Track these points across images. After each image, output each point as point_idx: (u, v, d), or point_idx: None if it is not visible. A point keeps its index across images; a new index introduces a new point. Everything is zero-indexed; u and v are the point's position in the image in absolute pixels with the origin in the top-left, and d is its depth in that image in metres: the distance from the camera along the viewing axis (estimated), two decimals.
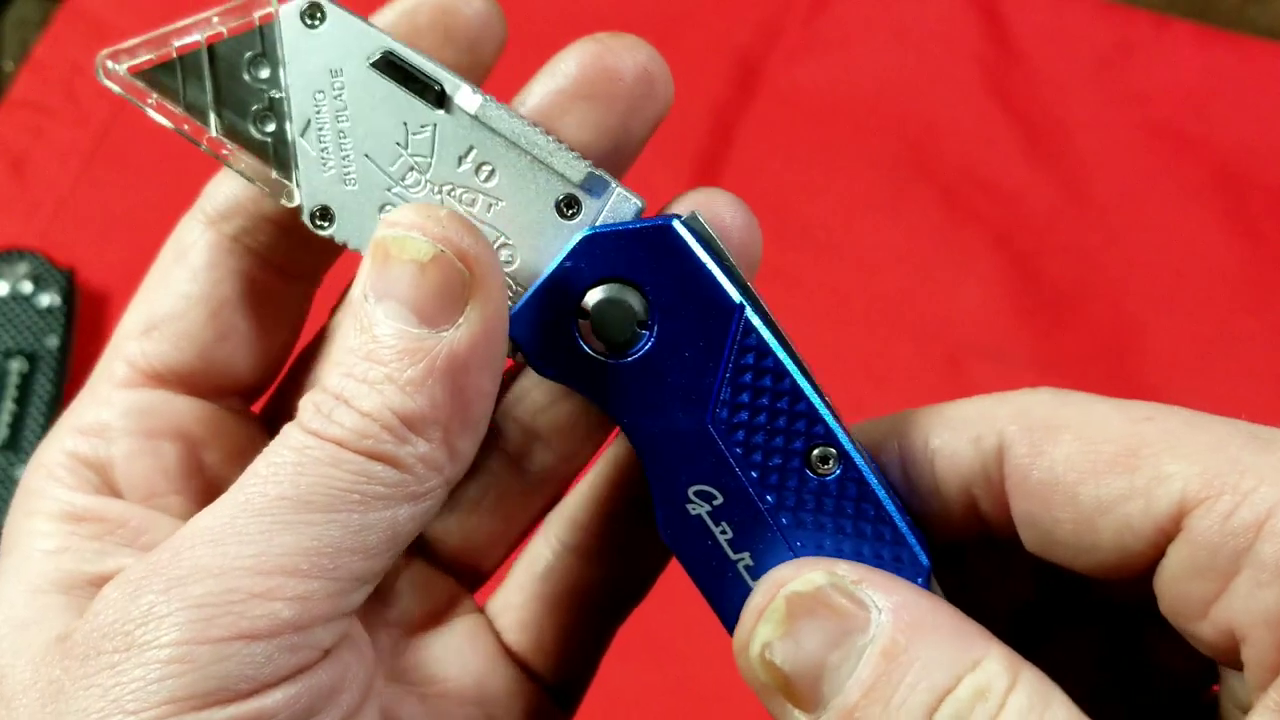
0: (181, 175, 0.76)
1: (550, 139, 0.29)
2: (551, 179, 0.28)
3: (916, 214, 0.74)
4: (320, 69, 0.28)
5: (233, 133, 0.29)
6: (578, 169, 0.28)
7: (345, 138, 0.29)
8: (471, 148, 0.29)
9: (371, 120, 0.29)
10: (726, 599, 0.27)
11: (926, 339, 0.69)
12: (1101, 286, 0.73)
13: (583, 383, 0.28)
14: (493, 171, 0.29)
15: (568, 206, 0.28)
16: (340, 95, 0.29)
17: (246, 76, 0.29)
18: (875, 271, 0.71)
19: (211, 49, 0.29)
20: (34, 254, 0.72)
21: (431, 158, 0.29)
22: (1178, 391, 0.70)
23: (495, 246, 0.28)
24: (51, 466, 0.30)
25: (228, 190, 0.31)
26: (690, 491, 0.27)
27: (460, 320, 0.26)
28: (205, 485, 0.31)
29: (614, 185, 0.29)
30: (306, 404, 0.27)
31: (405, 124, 0.29)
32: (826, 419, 0.27)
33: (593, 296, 0.27)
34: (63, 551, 0.29)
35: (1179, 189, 0.74)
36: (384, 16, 0.30)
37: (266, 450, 0.27)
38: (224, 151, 0.29)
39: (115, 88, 0.29)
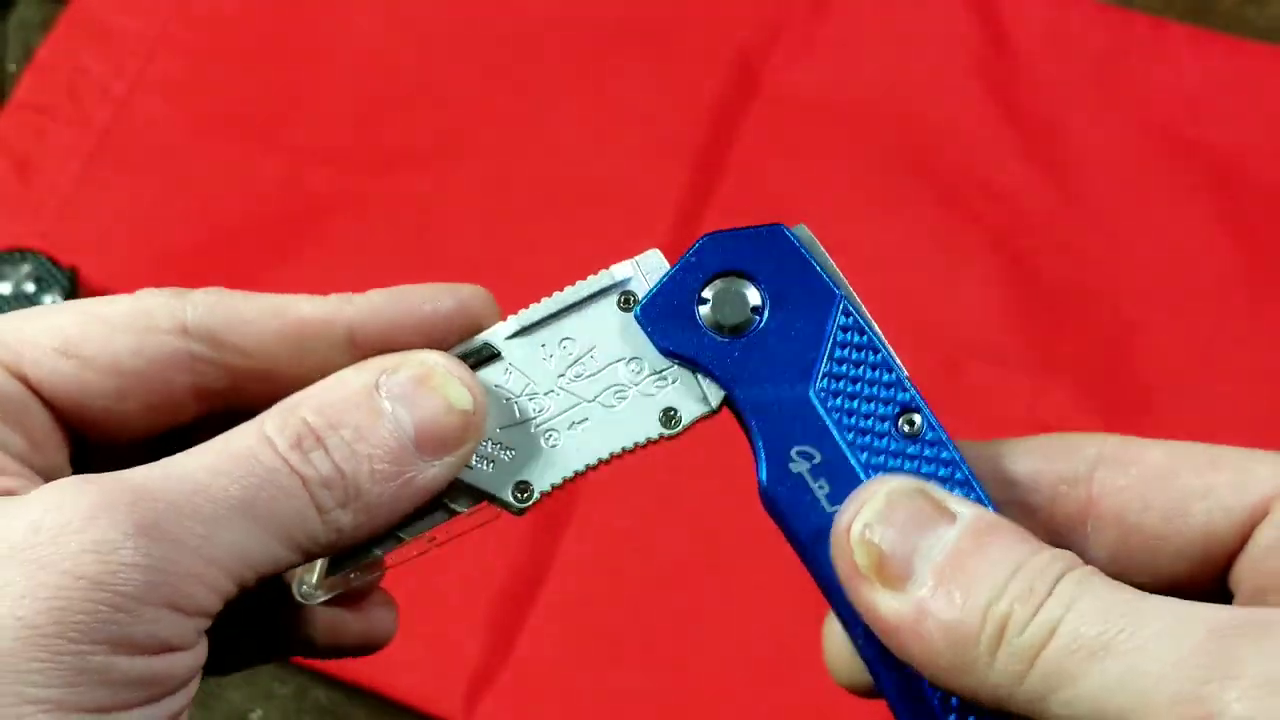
0: (182, 175, 0.77)
1: (566, 290, 0.34)
2: (599, 303, 0.34)
3: (915, 214, 0.74)
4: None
5: (420, 527, 0.34)
6: (604, 280, 0.34)
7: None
8: (542, 345, 0.34)
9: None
10: (822, 548, 0.31)
11: (925, 339, 0.70)
12: (1099, 287, 0.73)
13: (702, 357, 0.33)
14: (567, 339, 0.34)
15: (625, 303, 0.34)
16: None
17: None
18: (873, 271, 0.70)
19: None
20: (37, 254, 0.72)
21: (531, 381, 0.33)
22: (1175, 392, 0.70)
23: (625, 365, 0.34)
24: None
25: (223, 311, 0.32)
26: (793, 451, 0.32)
27: (438, 462, 0.31)
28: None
29: (633, 262, 0.34)
30: (284, 429, 0.30)
31: (496, 386, 0.33)
32: (911, 388, 0.32)
33: (713, 287, 0.33)
34: None
35: (1177, 190, 0.75)
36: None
37: (218, 440, 0.30)
38: (431, 541, 0.34)
39: (322, 597, 0.34)
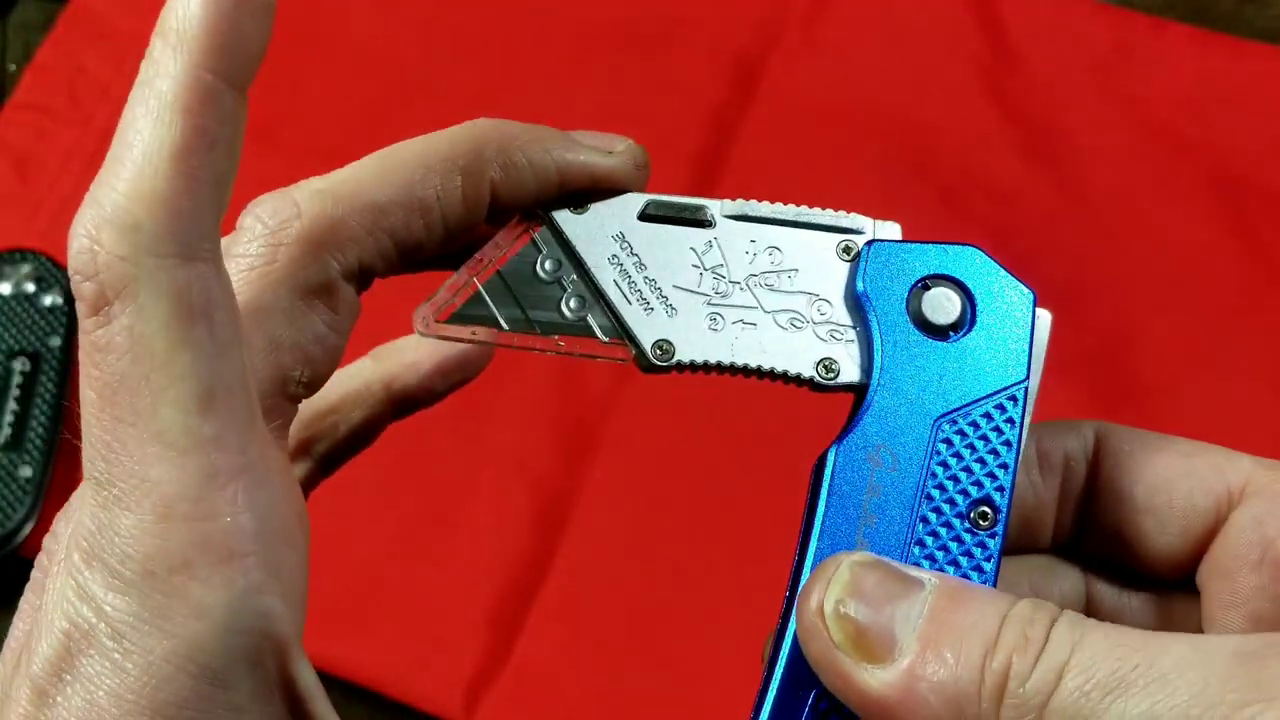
0: None
1: (799, 208, 0.34)
2: (822, 235, 0.34)
3: (915, 214, 0.74)
4: (604, 239, 0.34)
5: (554, 326, 0.33)
6: (840, 219, 0.34)
7: (652, 281, 0.33)
8: (752, 240, 0.34)
9: (664, 257, 0.34)
10: (826, 537, 0.31)
11: None
12: (1099, 287, 0.73)
13: (885, 326, 0.33)
14: (775, 248, 0.34)
15: (846, 250, 0.34)
16: (630, 250, 0.34)
17: (543, 275, 0.33)
18: None
19: (500, 272, 0.33)
20: (37, 254, 0.72)
21: (726, 263, 0.33)
22: (1175, 392, 0.70)
23: (814, 303, 0.34)
24: None
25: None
26: (879, 446, 0.32)
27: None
28: None
29: (869, 220, 0.34)
30: None
31: (692, 249, 0.34)
32: (1007, 499, 0.32)
33: (940, 284, 0.33)
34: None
35: (1176, 190, 0.75)
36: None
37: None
38: (558, 345, 0.33)
39: (434, 337, 0.33)
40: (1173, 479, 0.34)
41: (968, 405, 0.32)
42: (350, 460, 0.40)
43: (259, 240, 0.31)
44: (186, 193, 0.26)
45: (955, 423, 0.32)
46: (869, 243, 0.34)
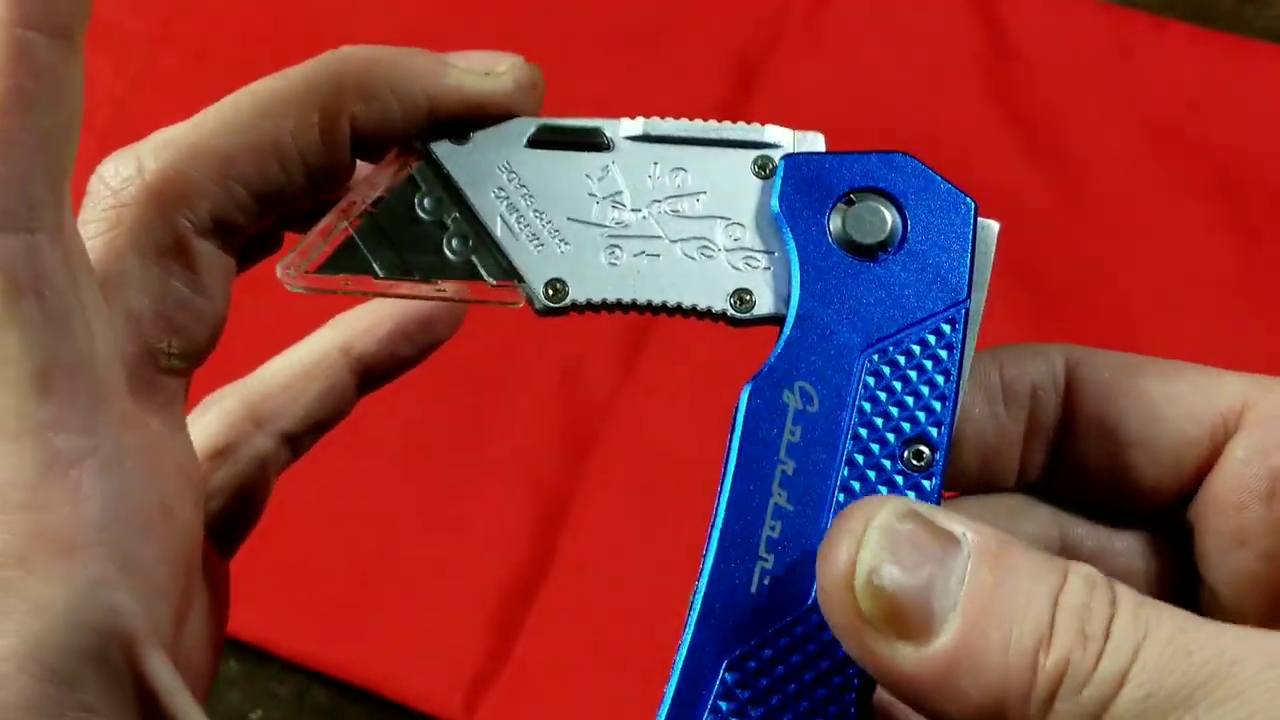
0: None
1: (713, 122, 0.30)
2: (734, 153, 0.30)
3: None
4: (489, 170, 0.30)
5: (435, 270, 0.30)
6: (755, 133, 0.30)
7: (541, 214, 0.30)
8: (655, 163, 0.30)
9: (555, 188, 0.30)
10: (738, 485, 0.28)
11: None
12: (1100, 287, 0.73)
13: (806, 248, 0.29)
14: (681, 170, 0.30)
15: (761, 167, 0.30)
16: (517, 181, 0.30)
17: (422, 214, 0.30)
18: None
19: (373, 213, 0.30)
20: None
21: (625, 189, 0.30)
22: None
23: (725, 228, 0.30)
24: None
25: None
26: (797, 383, 0.28)
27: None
28: None
29: (794, 134, 0.30)
30: None
31: (587, 175, 0.30)
32: (946, 434, 0.28)
33: (866, 198, 0.30)
34: None
35: (1177, 190, 0.75)
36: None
37: None
38: (439, 291, 0.30)
39: (302, 289, 0.30)
40: (1158, 407, 0.31)
41: (899, 332, 0.29)
42: (323, 438, 0.38)
43: (102, 203, 0.29)
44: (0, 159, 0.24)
45: (885, 352, 0.29)
46: (785, 157, 0.30)
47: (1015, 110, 0.77)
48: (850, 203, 0.30)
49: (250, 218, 0.30)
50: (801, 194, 0.30)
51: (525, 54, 0.32)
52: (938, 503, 0.28)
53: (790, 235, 0.29)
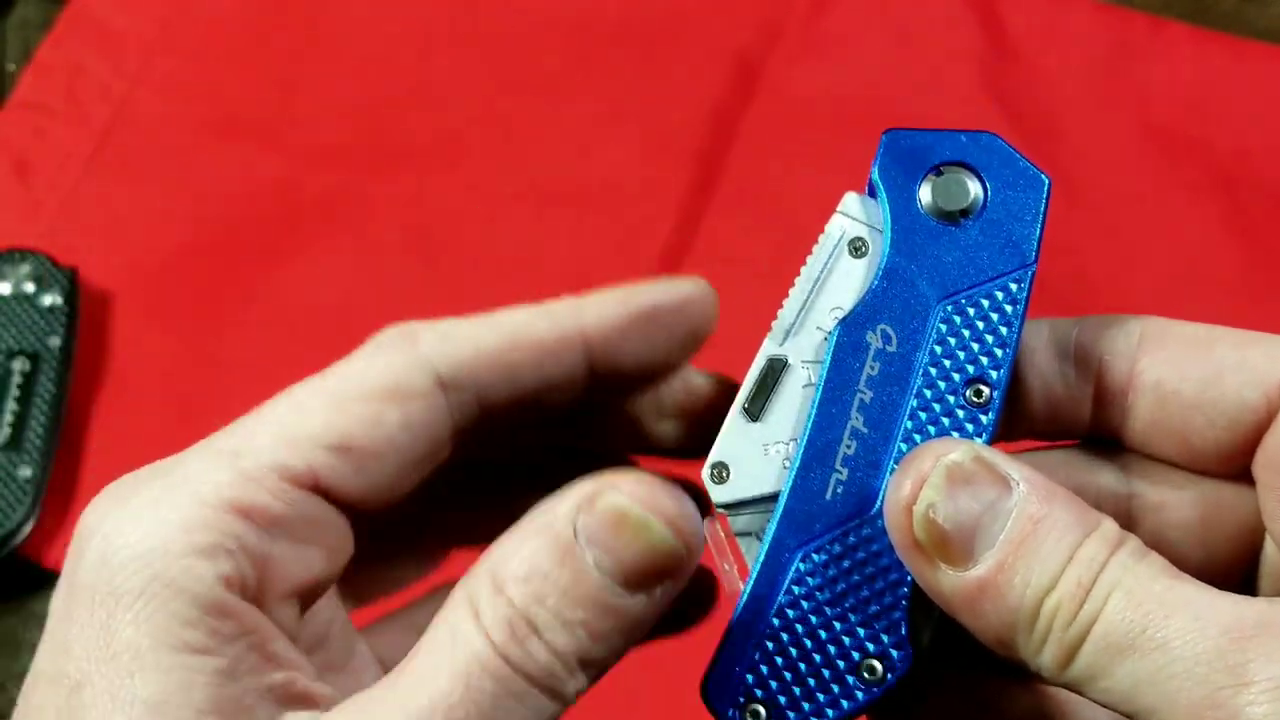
0: (182, 176, 0.77)
1: (799, 276, 0.34)
2: (834, 264, 0.34)
3: None
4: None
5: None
6: (828, 244, 0.34)
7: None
8: (818, 327, 0.33)
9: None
10: (824, 406, 0.32)
11: None
12: (1100, 287, 0.73)
13: (894, 216, 0.33)
14: (837, 308, 0.34)
15: (855, 250, 0.34)
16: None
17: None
18: None
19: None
20: (36, 254, 0.72)
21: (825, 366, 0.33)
22: None
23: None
24: (200, 537, 0.28)
25: (465, 352, 0.32)
26: (880, 325, 0.33)
27: (649, 594, 0.29)
28: (313, 596, 0.31)
29: (838, 214, 0.34)
30: (496, 619, 0.28)
31: (804, 387, 0.33)
32: (1005, 376, 0.32)
33: (952, 169, 0.34)
34: (208, 653, 0.28)
35: (1177, 190, 0.75)
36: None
37: (440, 642, 0.28)
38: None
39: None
40: (1223, 372, 0.33)
41: (971, 288, 0.33)
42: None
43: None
44: None
45: (958, 304, 0.33)
46: (886, 131, 0.34)
47: (1014, 110, 0.77)
48: (939, 173, 0.34)
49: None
50: (898, 164, 0.34)
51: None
52: (994, 432, 0.32)
53: (885, 198, 0.34)
